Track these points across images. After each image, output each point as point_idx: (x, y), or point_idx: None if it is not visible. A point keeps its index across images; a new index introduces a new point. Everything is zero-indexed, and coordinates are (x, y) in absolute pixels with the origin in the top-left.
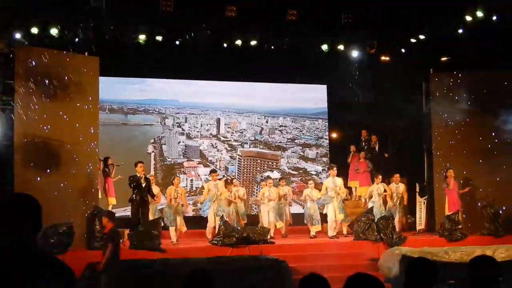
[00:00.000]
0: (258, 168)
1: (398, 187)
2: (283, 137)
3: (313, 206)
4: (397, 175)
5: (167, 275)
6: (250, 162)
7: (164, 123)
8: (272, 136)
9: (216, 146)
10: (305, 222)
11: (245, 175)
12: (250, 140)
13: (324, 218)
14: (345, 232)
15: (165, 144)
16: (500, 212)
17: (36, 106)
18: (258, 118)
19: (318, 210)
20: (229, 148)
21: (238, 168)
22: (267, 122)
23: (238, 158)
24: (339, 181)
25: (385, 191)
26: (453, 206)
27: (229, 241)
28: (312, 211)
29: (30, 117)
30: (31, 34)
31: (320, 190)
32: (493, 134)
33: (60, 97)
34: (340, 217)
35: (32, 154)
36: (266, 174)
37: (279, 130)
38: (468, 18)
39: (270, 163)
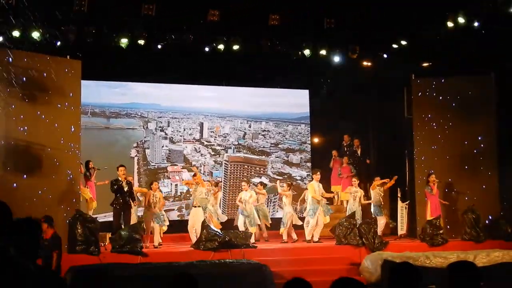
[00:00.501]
0: (245, 174)
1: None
2: (267, 142)
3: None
4: (378, 178)
5: (147, 279)
6: (237, 168)
7: (147, 127)
8: (256, 140)
9: (200, 151)
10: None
11: (231, 180)
12: (233, 145)
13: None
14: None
15: (148, 148)
16: (481, 217)
17: (16, 112)
18: (241, 123)
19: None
20: (212, 153)
21: (224, 173)
22: (249, 126)
23: (225, 163)
24: (320, 185)
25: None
26: (434, 211)
27: (211, 245)
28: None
29: (10, 120)
30: (12, 37)
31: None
32: (475, 139)
33: (41, 100)
34: (327, 219)
35: (12, 158)
36: (254, 179)
37: (262, 135)
38: (450, 24)
39: (257, 168)
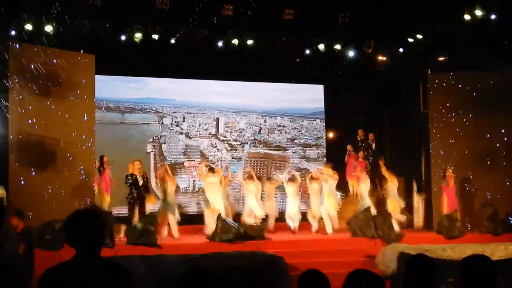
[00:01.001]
0: (265, 169)
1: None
2: (283, 137)
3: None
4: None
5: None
6: (257, 163)
7: (162, 122)
8: (272, 136)
9: (216, 146)
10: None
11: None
12: (250, 140)
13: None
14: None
15: (164, 143)
16: (499, 211)
17: (30, 107)
18: (256, 118)
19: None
20: (229, 148)
21: (244, 168)
22: (265, 121)
23: (245, 159)
24: None
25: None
26: (451, 205)
27: (227, 237)
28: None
29: (25, 115)
30: (25, 31)
31: None
32: (490, 135)
33: (54, 94)
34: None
35: (26, 152)
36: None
37: (278, 130)
38: (467, 17)
39: (277, 164)
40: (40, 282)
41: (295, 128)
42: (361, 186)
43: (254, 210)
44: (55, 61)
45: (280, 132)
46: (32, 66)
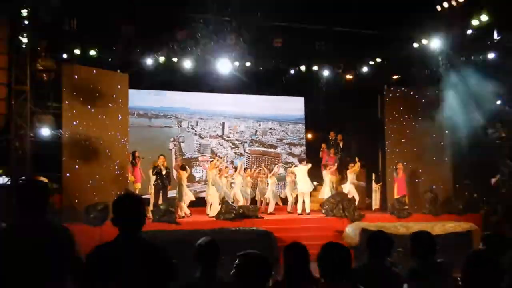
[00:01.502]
0: (263, 164)
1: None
2: (273, 138)
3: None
4: (351, 164)
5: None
6: (256, 158)
7: (180, 126)
8: (265, 136)
9: (222, 144)
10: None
11: (252, 168)
12: (248, 140)
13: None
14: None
15: (183, 142)
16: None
17: (76, 111)
18: (252, 122)
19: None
20: (232, 146)
21: (246, 162)
22: (259, 125)
23: (247, 155)
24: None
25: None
26: (401, 191)
27: (229, 216)
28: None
29: (75, 120)
30: (74, 54)
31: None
32: (434, 135)
33: (98, 104)
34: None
35: (76, 149)
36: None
37: (269, 132)
38: (415, 45)
39: (273, 159)
40: (89, 257)
41: (282, 130)
42: (325, 177)
43: (237, 197)
44: (97, 78)
45: (271, 134)
46: (80, 82)
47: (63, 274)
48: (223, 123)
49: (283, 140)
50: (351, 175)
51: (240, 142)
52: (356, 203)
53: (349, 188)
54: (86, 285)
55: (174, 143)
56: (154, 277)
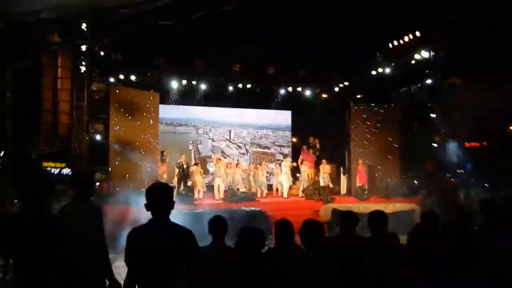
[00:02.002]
0: (262, 161)
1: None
2: (268, 141)
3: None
4: (324, 161)
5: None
6: (259, 157)
7: (197, 132)
8: (262, 140)
9: (229, 146)
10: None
11: (254, 164)
12: (249, 143)
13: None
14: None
15: (200, 144)
16: (389, 184)
17: (119, 121)
18: (252, 130)
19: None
20: (237, 147)
21: (249, 160)
22: (257, 132)
23: (250, 154)
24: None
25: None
26: (361, 181)
27: (234, 199)
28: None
29: (119, 127)
30: (119, 78)
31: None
32: (389, 139)
33: (135, 115)
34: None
35: (119, 148)
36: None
37: (265, 137)
38: (373, 72)
39: (269, 157)
40: (128, 237)
41: (275, 136)
42: (310, 170)
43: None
44: (136, 96)
45: (266, 138)
46: (123, 99)
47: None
48: (230, 130)
49: (275, 143)
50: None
51: (243, 144)
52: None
53: (324, 179)
54: (127, 261)
55: (193, 145)
56: (181, 256)
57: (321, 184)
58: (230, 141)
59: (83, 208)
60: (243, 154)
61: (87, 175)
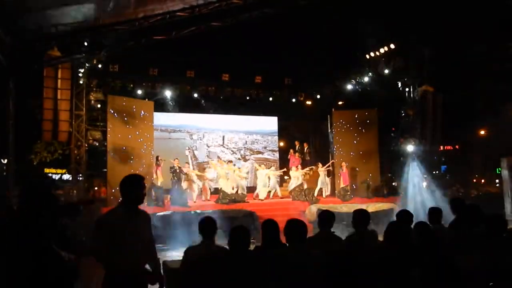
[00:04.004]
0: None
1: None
2: (259, 145)
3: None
4: (320, 164)
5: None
6: (258, 162)
7: (192, 138)
8: (253, 145)
9: (223, 151)
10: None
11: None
12: (243, 147)
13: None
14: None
15: (196, 150)
16: (370, 185)
17: (117, 128)
18: (243, 135)
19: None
20: (231, 152)
21: (250, 165)
22: (248, 137)
23: (250, 160)
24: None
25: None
26: (345, 182)
27: (225, 201)
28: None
29: (116, 134)
30: (116, 88)
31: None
32: (369, 143)
33: (131, 123)
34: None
35: (116, 154)
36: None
37: (256, 141)
38: (353, 81)
39: (268, 163)
40: (97, 221)
41: (264, 140)
42: (297, 172)
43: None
44: (132, 104)
45: (257, 143)
46: (120, 107)
47: None
48: (223, 136)
49: (266, 148)
50: (322, 172)
51: (236, 149)
52: (323, 192)
53: (321, 181)
54: (95, 244)
55: (189, 151)
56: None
57: (320, 185)
58: (224, 146)
59: (133, 213)
60: (238, 159)
61: (137, 179)
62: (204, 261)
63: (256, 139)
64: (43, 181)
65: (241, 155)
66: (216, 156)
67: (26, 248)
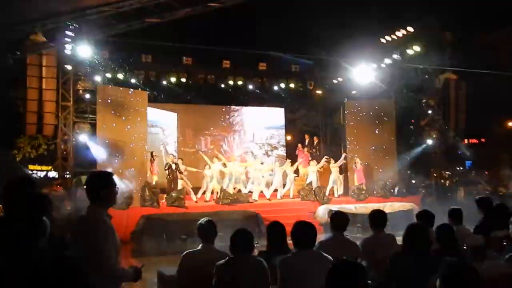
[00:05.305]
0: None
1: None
2: (274, 140)
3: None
4: (332, 160)
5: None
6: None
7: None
8: (272, 139)
9: (254, 147)
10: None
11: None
12: (265, 143)
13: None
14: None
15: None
16: (387, 183)
17: (108, 121)
18: (265, 130)
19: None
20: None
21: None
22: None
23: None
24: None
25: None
26: (359, 180)
27: (226, 201)
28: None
29: (106, 128)
30: (106, 77)
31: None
32: (386, 136)
33: (124, 116)
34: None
35: (107, 149)
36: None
37: (273, 136)
38: (369, 67)
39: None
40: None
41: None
42: (307, 169)
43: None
44: (124, 95)
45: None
46: (111, 98)
47: None
48: (253, 133)
49: (279, 142)
50: (334, 169)
51: (262, 144)
52: (335, 191)
53: (333, 179)
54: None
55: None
56: None
57: (331, 183)
58: (253, 142)
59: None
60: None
61: (107, 175)
62: (202, 267)
63: (273, 134)
64: (30, 177)
65: (265, 151)
66: (247, 152)
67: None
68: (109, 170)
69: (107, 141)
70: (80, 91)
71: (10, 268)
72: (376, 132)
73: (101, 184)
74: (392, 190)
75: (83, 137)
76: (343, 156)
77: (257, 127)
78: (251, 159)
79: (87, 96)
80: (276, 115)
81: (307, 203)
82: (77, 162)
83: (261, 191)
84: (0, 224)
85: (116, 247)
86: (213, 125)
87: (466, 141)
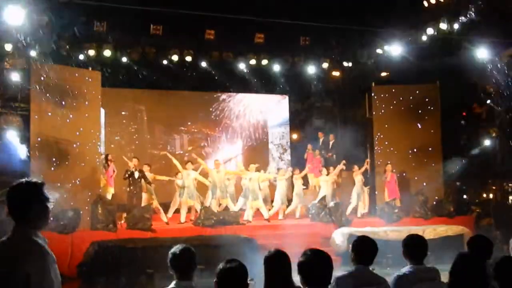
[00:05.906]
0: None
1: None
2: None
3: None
4: (356, 167)
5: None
6: None
7: None
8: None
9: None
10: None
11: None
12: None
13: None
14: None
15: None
16: (429, 199)
17: (47, 111)
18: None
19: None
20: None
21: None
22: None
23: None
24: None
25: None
26: (391, 194)
27: (209, 222)
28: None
29: (43, 121)
30: (44, 52)
31: None
32: (424, 136)
33: (68, 104)
34: None
35: (45, 151)
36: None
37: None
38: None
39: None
40: None
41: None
42: (319, 178)
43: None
44: (68, 77)
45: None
46: (50, 81)
47: None
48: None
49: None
50: (357, 177)
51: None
52: (358, 209)
53: (357, 192)
54: None
55: None
56: None
57: (355, 199)
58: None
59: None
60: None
61: (36, 185)
62: None
63: (273, 132)
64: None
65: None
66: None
67: None
68: (40, 179)
69: (41, 139)
70: (8, 71)
71: None
72: (414, 128)
73: (27, 199)
74: (435, 209)
75: (11, 134)
76: (366, 161)
77: (252, 121)
78: (241, 165)
79: (17, 77)
80: (277, 106)
81: (319, 225)
82: (1, 169)
83: (257, 209)
84: None
85: (58, 284)
86: (191, 119)
87: None
